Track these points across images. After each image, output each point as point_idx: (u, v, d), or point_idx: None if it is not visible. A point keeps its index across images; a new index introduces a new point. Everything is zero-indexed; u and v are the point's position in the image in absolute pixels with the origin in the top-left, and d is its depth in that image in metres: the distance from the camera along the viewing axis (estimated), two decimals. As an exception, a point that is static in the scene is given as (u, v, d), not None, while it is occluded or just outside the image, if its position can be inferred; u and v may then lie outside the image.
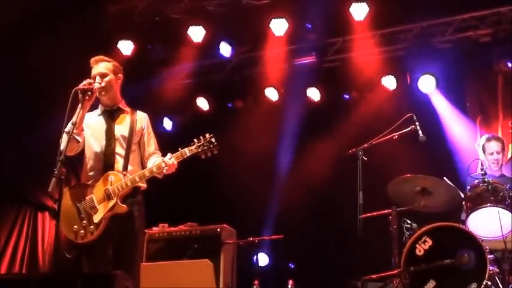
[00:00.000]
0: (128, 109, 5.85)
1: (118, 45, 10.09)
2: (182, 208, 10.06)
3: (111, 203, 5.47)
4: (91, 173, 5.66)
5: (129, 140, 5.68)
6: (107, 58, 5.85)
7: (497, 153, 7.44)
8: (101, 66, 5.74)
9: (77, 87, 5.43)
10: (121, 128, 5.73)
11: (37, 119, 9.15)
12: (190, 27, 9.97)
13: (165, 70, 10.59)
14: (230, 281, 7.80)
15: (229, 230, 8.07)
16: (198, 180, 10.43)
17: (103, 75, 5.69)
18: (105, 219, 5.45)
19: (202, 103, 10.94)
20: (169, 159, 5.50)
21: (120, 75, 5.83)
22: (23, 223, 9.85)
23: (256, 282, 7.81)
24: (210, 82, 10.92)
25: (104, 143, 5.67)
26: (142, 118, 5.84)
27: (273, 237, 8.42)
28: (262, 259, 9.70)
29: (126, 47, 10.12)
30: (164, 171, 5.53)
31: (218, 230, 7.94)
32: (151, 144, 5.82)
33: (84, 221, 5.49)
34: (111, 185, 5.52)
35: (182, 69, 10.66)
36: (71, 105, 5.32)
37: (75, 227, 5.49)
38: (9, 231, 9.64)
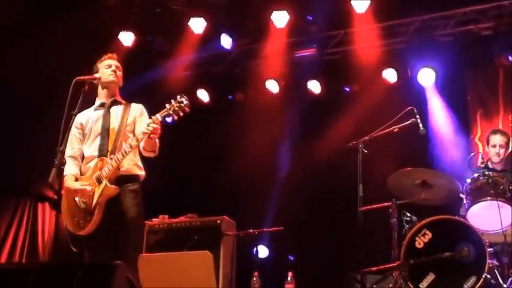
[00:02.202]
0: (123, 102, 5.89)
1: (119, 37, 10.08)
2: (182, 199, 10.08)
3: (101, 186, 5.47)
4: (87, 165, 5.68)
5: (119, 130, 5.67)
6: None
7: (500, 146, 7.42)
8: (116, 61, 5.91)
9: (78, 78, 5.44)
10: (115, 119, 5.75)
11: (37, 110, 9.16)
12: (191, 18, 9.95)
13: (165, 62, 10.58)
14: (230, 272, 7.81)
15: (229, 222, 8.09)
16: (199, 171, 10.44)
17: (118, 68, 5.86)
18: (100, 204, 5.45)
19: (203, 95, 10.92)
20: (146, 128, 5.42)
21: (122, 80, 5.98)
22: (23, 213, 9.88)
23: (255, 274, 7.82)
24: (210, 74, 10.90)
25: (98, 135, 5.70)
26: (135, 108, 5.85)
27: (272, 229, 8.42)
28: (262, 251, 9.73)
29: (126, 38, 10.11)
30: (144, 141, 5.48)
31: (218, 221, 7.96)
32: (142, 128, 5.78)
33: (83, 212, 5.51)
34: (100, 170, 5.54)
35: (183, 61, 10.64)
36: (72, 95, 5.32)
37: (76, 219, 5.52)
38: (9, 222, 9.67)
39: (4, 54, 8.82)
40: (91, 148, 5.69)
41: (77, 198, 5.55)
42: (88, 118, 5.78)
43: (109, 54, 5.96)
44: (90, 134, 5.73)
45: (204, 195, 10.22)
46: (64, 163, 5.35)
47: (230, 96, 11.14)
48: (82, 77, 5.51)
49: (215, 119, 10.69)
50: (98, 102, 5.86)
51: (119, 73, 5.86)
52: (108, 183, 5.46)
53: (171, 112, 5.40)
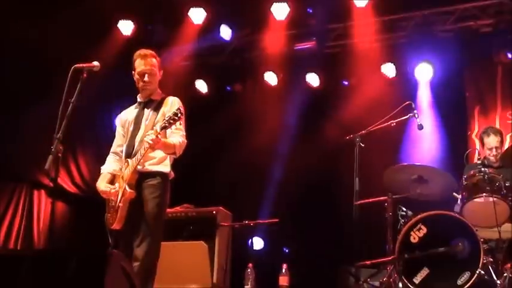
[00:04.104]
0: (159, 98, 5.90)
1: (118, 25, 10.06)
2: (178, 190, 10.06)
3: (122, 189, 5.58)
4: (123, 162, 5.79)
5: (145, 132, 5.68)
6: (154, 52, 5.94)
7: (497, 148, 7.39)
8: (151, 62, 5.86)
9: (76, 65, 5.43)
10: (145, 121, 5.79)
11: (35, 96, 9.14)
12: (191, 8, 9.93)
13: (165, 51, 10.54)
14: (224, 263, 7.82)
15: (225, 213, 8.10)
16: (195, 162, 10.44)
17: (151, 73, 5.83)
18: (121, 204, 5.54)
19: (201, 86, 10.92)
20: (149, 138, 5.48)
21: (161, 71, 5.96)
22: (19, 200, 9.88)
23: (250, 265, 7.83)
24: (209, 65, 10.89)
25: (130, 136, 5.80)
26: (168, 103, 5.84)
27: (268, 221, 8.44)
28: (257, 243, 9.74)
29: (126, 27, 10.09)
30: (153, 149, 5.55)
31: (214, 212, 7.97)
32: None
33: (112, 208, 5.65)
34: (124, 172, 5.65)
35: (182, 51, 10.61)
36: (70, 82, 5.31)
37: (109, 214, 5.66)
38: (4, 208, 9.67)
39: (1, 38, 8.79)
40: (125, 148, 5.80)
41: None
42: (127, 118, 5.90)
43: (142, 53, 5.88)
44: (127, 134, 5.84)
45: (200, 186, 10.23)
46: (61, 151, 5.35)
47: (228, 88, 11.14)
48: (80, 65, 5.48)
49: (213, 110, 10.68)
50: (138, 99, 5.96)
51: (151, 78, 5.82)
52: (127, 187, 5.54)
53: (167, 124, 5.43)
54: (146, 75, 5.82)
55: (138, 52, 5.93)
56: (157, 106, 5.82)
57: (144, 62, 5.85)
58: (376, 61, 9.86)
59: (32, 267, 4.21)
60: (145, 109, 5.84)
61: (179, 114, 5.38)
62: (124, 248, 5.60)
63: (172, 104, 5.80)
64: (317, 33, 10.23)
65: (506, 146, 7.97)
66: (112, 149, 5.97)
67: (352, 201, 6.88)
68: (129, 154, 5.70)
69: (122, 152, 5.86)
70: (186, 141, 5.75)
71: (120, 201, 5.55)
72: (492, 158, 7.36)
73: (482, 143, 7.54)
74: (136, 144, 5.69)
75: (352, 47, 10.05)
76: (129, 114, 5.95)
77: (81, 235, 9.59)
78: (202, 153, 10.30)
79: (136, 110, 5.91)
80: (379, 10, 9.53)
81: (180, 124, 5.72)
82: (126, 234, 5.60)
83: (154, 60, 5.90)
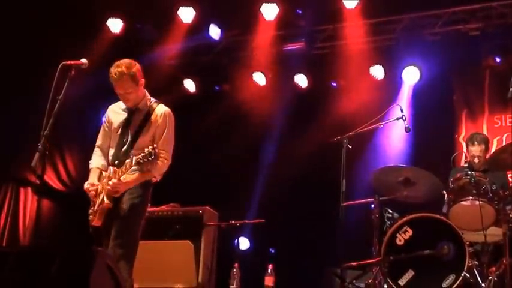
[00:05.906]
0: (147, 106, 5.85)
1: (107, 23, 10.02)
2: (165, 188, 10.04)
3: (101, 196, 5.61)
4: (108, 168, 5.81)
5: (135, 137, 5.72)
6: (123, 68, 5.67)
7: (479, 157, 7.42)
8: (123, 81, 5.67)
9: (64, 62, 5.40)
10: (134, 126, 5.77)
11: (22, 93, 9.10)
12: (180, 7, 9.91)
13: (153, 50, 10.52)
14: (210, 263, 7.81)
15: (211, 212, 8.09)
16: (182, 161, 10.41)
17: (128, 93, 5.73)
18: (100, 208, 5.59)
19: (190, 85, 10.90)
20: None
21: (142, 80, 5.80)
22: (5, 197, 9.84)
23: (236, 265, 7.82)
24: (198, 64, 10.87)
25: (116, 142, 5.79)
26: (158, 114, 5.80)
27: (254, 221, 8.44)
28: (243, 243, 9.72)
29: (115, 25, 10.05)
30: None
31: (200, 211, 7.96)
32: (159, 142, 5.76)
33: (93, 206, 5.68)
34: (108, 180, 5.65)
35: (170, 50, 10.58)
36: (57, 79, 5.29)
37: (90, 210, 5.68)
38: (-10, 205, 9.63)
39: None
40: (110, 152, 5.81)
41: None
42: (114, 120, 5.85)
43: (112, 74, 5.70)
44: (114, 137, 5.82)
45: (187, 185, 10.21)
46: (48, 149, 5.33)
47: (217, 87, 11.12)
48: (68, 62, 5.46)
49: (201, 110, 10.66)
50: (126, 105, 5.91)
51: (126, 97, 5.76)
52: (105, 198, 5.57)
53: (141, 162, 5.47)
54: (123, 94, 5.76)
55: (110, 70, 5.75)
56: (145, 116, 5.79)
57: (115, 85, 5.73)
58: (365, 63, 9.87)
59: (16, 264, 4.18)
60: (133, 117, 5.80)
61: (152, 156, 5.41)
62: (107, 245, 5.61)
63: (160, 117, 5.77)
64: (306, 34, 10.24)
65: (493, 149, 7.99)
66: (97, 143, 5.93)
67: (338, 202, 6.89)
68: (114, 163, 5.71)
69: (107, 148, 5.85)
70: (169, 161, 5.84)
71: (98, 207, 5.59)
72: (475, 164, 7.39)
73: (468, 150, 7.58)
74: (122, 154, 5.68)
75: (341, 48, 10.06)
76: (117, 116, 5.88)
77: (67, 232, 9.56)
78: (189, 153, 10.29)
79: (125, 114, 5.84)
80: (368, 12, 9.54)
81: (166, 143, 5.78)
82: (103, 232, 5.61)
83: (125, 76, 5.68)
